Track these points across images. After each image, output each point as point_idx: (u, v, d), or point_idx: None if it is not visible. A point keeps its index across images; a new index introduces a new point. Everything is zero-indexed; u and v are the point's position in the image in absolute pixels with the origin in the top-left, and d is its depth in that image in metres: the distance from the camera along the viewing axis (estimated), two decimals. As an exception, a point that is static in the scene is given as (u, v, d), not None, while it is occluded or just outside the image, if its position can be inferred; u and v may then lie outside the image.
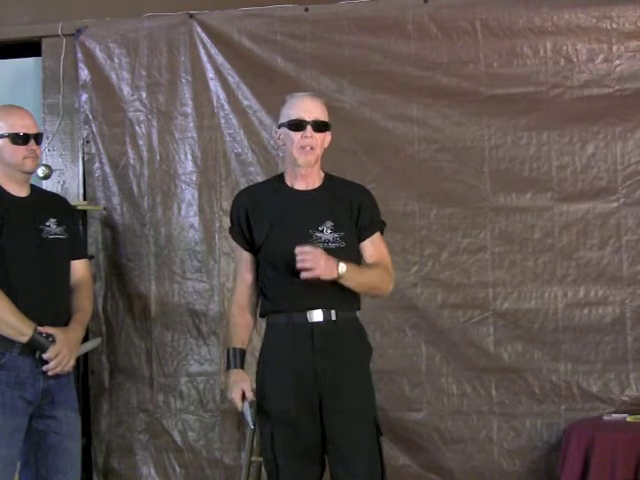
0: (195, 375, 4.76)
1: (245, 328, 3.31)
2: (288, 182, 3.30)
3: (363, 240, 3.28)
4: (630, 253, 4.44)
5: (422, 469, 4.54)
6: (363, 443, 3.15)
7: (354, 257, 3.25)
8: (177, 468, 4.77)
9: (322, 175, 3.32)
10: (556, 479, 4.24)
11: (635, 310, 4.41)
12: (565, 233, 4.49)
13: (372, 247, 3.29)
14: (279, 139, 3.30)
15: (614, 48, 4.47)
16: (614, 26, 4.46)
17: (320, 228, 3.19)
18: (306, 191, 3.27)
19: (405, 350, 4.56)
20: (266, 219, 3.25)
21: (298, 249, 3.06)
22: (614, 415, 4.31)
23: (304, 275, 3.04)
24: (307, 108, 3.22)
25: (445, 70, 4.60)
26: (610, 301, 4.43)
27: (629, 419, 4.25)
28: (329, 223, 3.20)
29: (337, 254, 3.13)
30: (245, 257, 3.32)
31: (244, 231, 3.29)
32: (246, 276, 3.33)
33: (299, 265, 3.04)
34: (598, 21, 4.48)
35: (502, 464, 4.47)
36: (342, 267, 3.07)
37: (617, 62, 4.47)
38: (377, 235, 3.32)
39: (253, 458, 4.35)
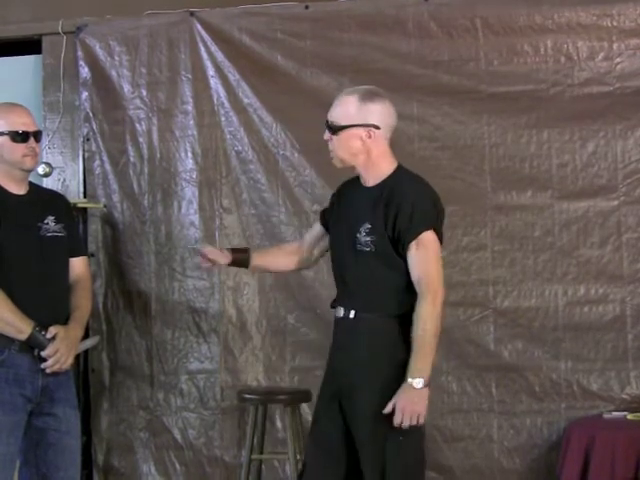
0: (195, 373, 4.76)
1: (276, 247, 3.62)
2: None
3: (404, 253, 3.03)
4: (630, 251, 4.43)
5: (422, 467, 4.54)
6: (368, 447, 3.03)
7: (385, 262, 3.04)
8: (177, 466, 4.77)
9: (386, 172, 3.11)
10: (556, 477, 4.23)
11: (635, 308, 4.41)
12: (565, 231, 4.48)
13: (412, 265, 3.02)
14: None
15: (614, 46, 4.46)
16: (614, 24, 4.45)
17: (360, 229, 3.05)
18: (364, 188, 3.14)
19: (405, 348, 4.55)
20: (335, 213, 3.23)
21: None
22: (614, 413, 4.31)
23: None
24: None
25: (445, 68, 4.59)
26: (610, 299, 4.43)
27: (629, 417, 4.24)
28: (367, 225, 3.04)
29: (367, 258, 3.03)
30: (316, 227, 3.37)
31: (327, 213, 3.29)
32: (306, 237, 3.43)
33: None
34: (598, 19, 4.47)
35: (502, 462, 4.47)
36: (418, 383, 2.99)
37: (617, 60, 4.46)
38: (414, 247, 3.01)
39: (253, 456, 4.36)
